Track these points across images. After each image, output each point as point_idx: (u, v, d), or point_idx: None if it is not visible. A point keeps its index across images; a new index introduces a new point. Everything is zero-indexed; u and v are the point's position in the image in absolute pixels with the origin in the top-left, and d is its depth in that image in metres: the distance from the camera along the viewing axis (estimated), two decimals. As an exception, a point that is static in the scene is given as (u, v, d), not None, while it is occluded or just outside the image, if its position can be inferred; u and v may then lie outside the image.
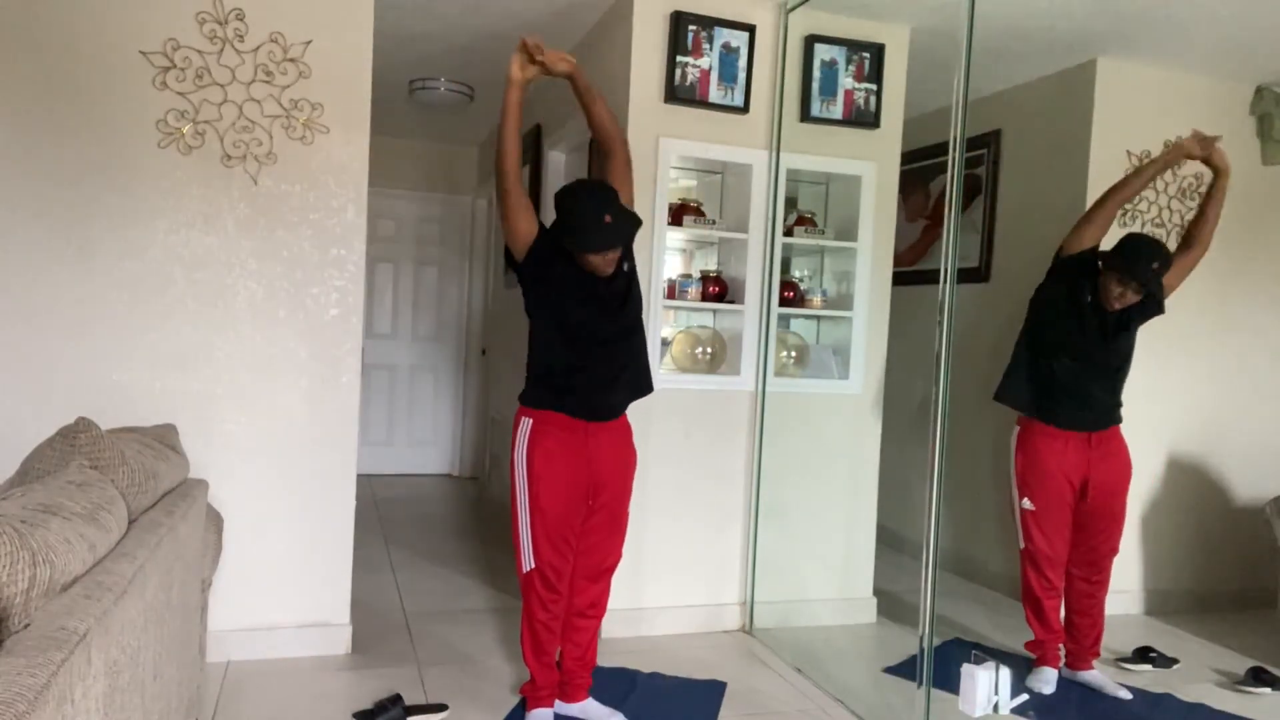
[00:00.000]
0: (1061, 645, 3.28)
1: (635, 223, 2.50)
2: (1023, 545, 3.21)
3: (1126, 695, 3.15)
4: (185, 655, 2.11)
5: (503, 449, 5.63)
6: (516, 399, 2.72)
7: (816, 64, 3.62)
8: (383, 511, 5.51)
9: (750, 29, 3.53)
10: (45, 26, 2.85)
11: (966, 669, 2.96)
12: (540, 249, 2.55)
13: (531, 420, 2.62)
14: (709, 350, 3.69)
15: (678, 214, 3.60)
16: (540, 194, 4.79)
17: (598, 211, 2.41)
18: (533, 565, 2.63)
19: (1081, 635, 3.27)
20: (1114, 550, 3.24)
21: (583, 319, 2.56)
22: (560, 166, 4.67)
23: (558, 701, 2.79)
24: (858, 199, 3.77)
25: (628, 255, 2.60)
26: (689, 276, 3.74)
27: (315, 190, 3.13)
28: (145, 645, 1.61)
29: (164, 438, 2.45)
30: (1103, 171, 3.96)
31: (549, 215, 2.55)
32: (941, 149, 3.24)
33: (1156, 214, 4.06)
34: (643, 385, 2.74)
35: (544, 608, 2.66)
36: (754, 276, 3.66)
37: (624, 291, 2.60)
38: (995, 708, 2.95)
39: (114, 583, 1.47)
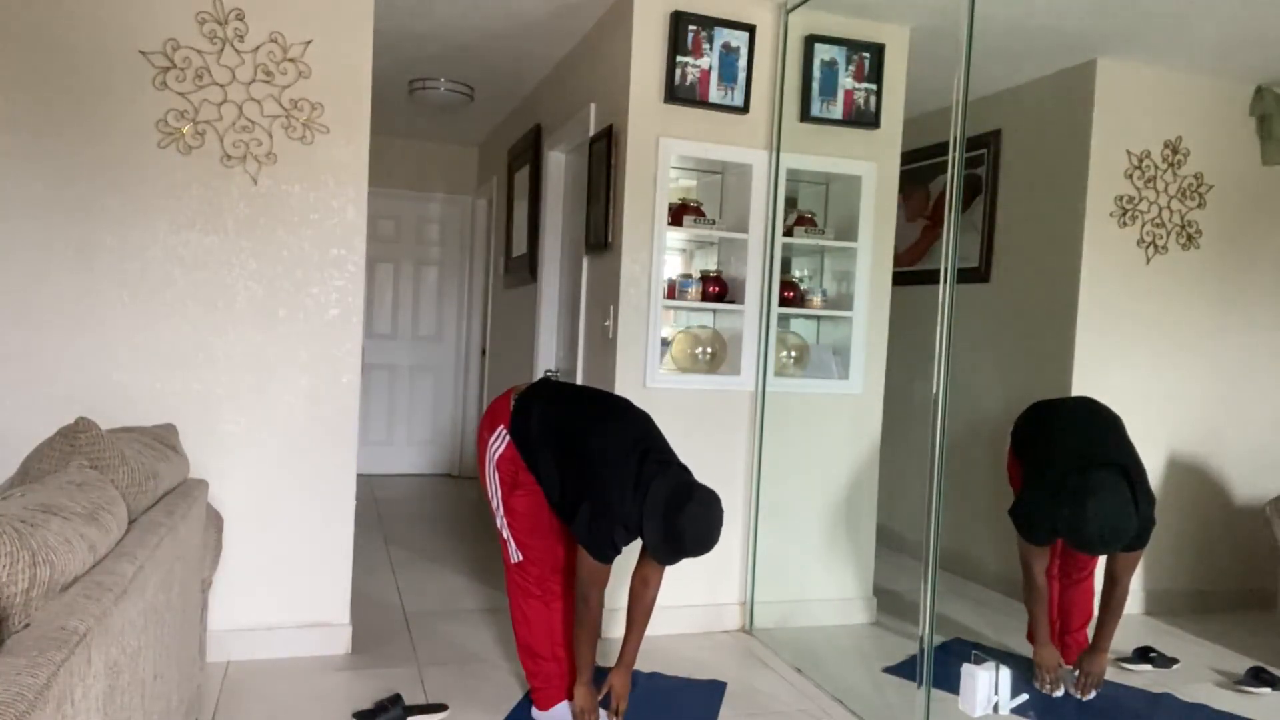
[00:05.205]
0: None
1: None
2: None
3: (1057, 693, 3.15)
4: (185, 655, 2.11)
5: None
6: (502, 397, 2.77)
7: (816, 64, 3.62)
8: (383, 511, 5.51)
9: (750, 29, 3.53)
10: (45, 27, 2.85)
11: (966, 669, 2.96)
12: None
13: (508, 442, 2.68)
14: (709, 350, 3.69)
15: (678, 214, 3.60)
16: (540, 193, 4.79)
17: (681, 555, 2.46)
18: (520, 558, 2.73)
19: (1069, 621, 3.33)
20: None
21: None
22: (560, 166, 4.67)
23: None
24: (858, 199, 3.77)
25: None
26: (689, 276, 3.74)
27: (315, 190, 3.13)
28: (145, 645, 1.61)
29: (164, 438, 2.45)
30: (1103, 171, 3.96)
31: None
32: (941, 149, 3.24)
33: (1156, 214, 4.06)
34: None
35: (538, 583, 2.73)
36: (754, 276, 3.66)
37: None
38: (995, 708, 2.95)
39: (114, 583, 1.47)
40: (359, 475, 3.38)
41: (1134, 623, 3.95)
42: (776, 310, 3.69)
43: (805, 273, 4.06)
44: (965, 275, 4.45)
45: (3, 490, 1.77)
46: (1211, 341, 4.17)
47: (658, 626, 3.53)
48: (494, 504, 2.74)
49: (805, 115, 3.62)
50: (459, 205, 6.80)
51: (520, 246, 5.26)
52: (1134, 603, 4.07)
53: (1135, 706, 3.13)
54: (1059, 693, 3.14)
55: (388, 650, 3.28)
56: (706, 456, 3.60)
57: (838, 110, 3.67)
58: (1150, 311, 4.07)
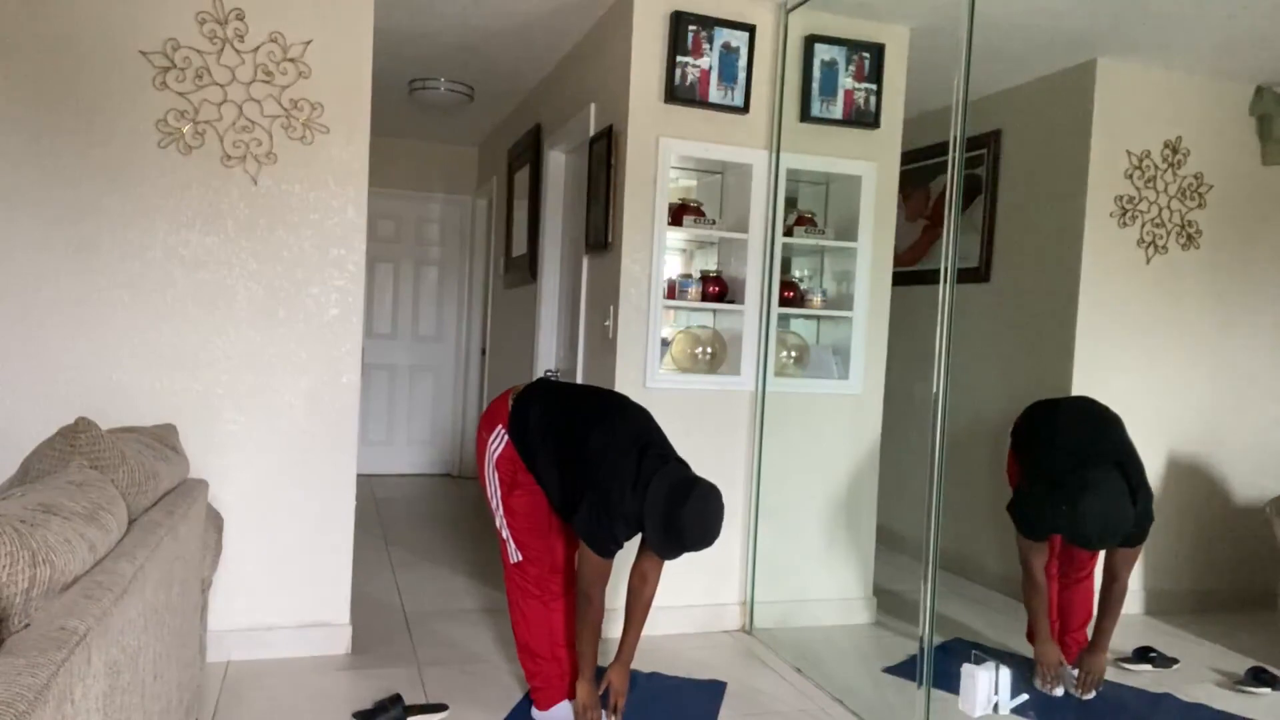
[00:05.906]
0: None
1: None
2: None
3: (1058, 692, 3.15)
4: (185, 655, 2.11)
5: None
6: (500, 398, 2.78)
7: (816, 64, 3.62)
8: (383, 511, 5.51)
9: (750, 29, 3.53)
10: (45, 27, 2.85)
11: (966, 669, 2.96)
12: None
13: (507, 441, 2.68)
14: (709, 350, 3.69)
15: (678, 214, 3.60)
16: (540, 193, 4.79)
17: (682, 550, 2.46)
18: (520, 558, 2.73)
19: (1068, 621, 3.33)
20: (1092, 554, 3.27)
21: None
22: (560, 167, 4.67)
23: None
24: (858, 199, 3.76)
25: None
26: (689, 276, 3.74)
27: (315, 190, 3.13)
28: (145, 645, 1.61)
29: (164, 438, 2.45)
30: (1103, 171, 3.96)
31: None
32: (941, 149, 3.24)
33: (1156, 214, 4.06)
34: None
35: (537, 583, 2.74)
36: (754, 276, 3.66)
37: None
38: (995, 708, 2.95)
39: (114, 583, 1.47)
40: (359, 475, 3.38)
41: (1134, 623, 3.95)
42: (776, 310, 3.69)
43: (805, 273, 4.06)
44: (965, 275, 4.44)
45: (3, 490, 1.77)
46: (1211, 341, 4.17)
47: (658, 626, 3.53)
48: (493, 504, 2.74)
49: (805, 115, 3.62)
50: (459, 205, 6.80)
51: (520, 246, 5.26)
52: (1134, 602, 4.07)
53: (1135, 706, 3.13)
54: (1059, 692, 3.14)
55: (388, 650, 3.28)
56: (706, 457, 3.60)
57: (838, 110, 3.67)
58: (1150, 311, 4.07)
